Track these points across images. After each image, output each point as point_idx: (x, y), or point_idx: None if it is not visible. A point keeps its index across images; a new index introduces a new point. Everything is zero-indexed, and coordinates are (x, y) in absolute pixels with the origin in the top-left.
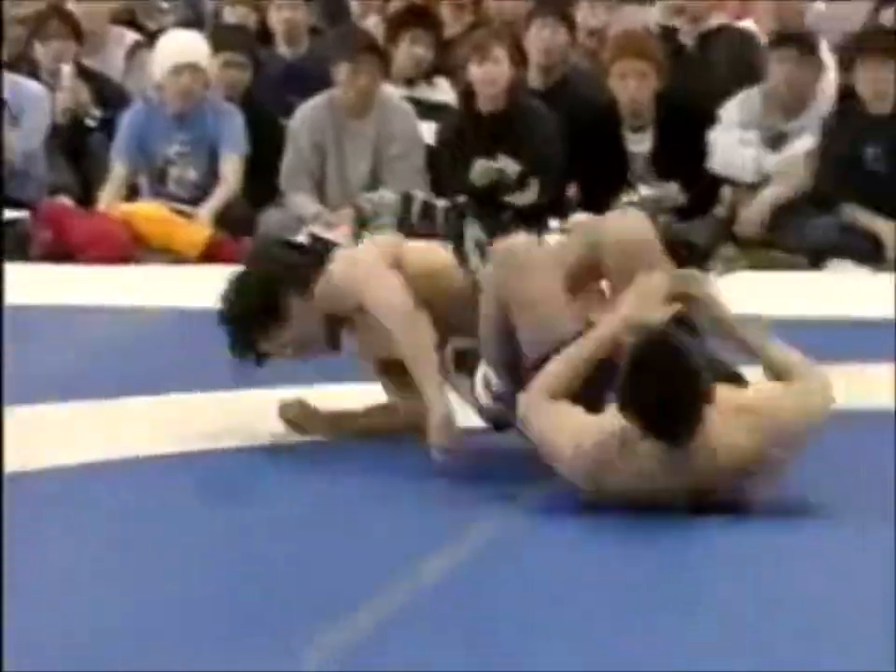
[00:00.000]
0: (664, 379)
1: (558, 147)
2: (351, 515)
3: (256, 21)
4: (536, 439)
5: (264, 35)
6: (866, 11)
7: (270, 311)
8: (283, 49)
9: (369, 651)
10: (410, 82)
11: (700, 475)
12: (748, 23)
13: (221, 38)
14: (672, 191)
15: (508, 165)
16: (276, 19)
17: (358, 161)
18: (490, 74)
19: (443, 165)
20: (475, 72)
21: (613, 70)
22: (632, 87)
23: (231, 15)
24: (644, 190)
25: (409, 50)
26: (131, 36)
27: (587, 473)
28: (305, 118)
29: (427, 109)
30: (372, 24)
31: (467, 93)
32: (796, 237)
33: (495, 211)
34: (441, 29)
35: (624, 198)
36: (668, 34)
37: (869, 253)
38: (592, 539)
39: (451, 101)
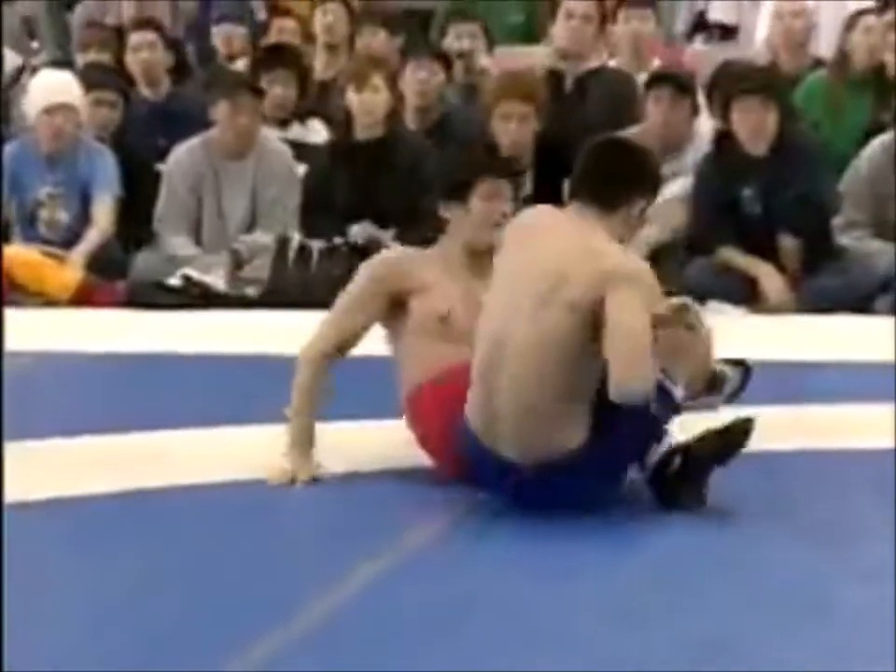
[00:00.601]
0: (616, 148)
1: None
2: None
3: (113, 63)
4: None
5: (124, 76)
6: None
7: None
8: (144, 90)
9: None
10: (284, 123)
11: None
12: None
13: (91, 77)
14: None
15: (381, 234)
16: (133, 60)
17: (236, 202)
18: (368, 102)
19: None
20: (353, 99)
21: (496, 112)
22: (513, 129)
23: (86, 58)
24: None
25: (270, 90)
26: (13, 59)
27: None
28: (180, 160)
29: (302, 151)
30: (241, 66)
31: (345, 122)
32: (674, 279)
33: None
34: (309, 69)
35: None
36: (553, 75)
37: (746, 295)
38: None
39: (324, 142)
